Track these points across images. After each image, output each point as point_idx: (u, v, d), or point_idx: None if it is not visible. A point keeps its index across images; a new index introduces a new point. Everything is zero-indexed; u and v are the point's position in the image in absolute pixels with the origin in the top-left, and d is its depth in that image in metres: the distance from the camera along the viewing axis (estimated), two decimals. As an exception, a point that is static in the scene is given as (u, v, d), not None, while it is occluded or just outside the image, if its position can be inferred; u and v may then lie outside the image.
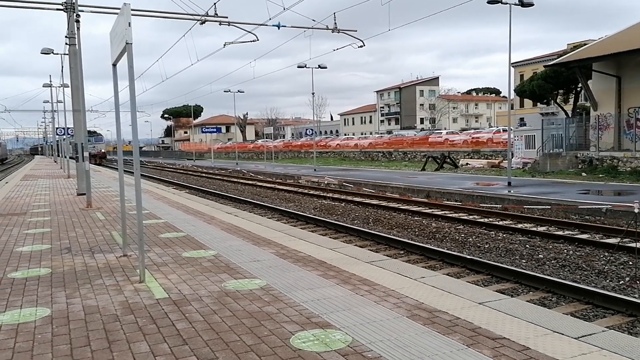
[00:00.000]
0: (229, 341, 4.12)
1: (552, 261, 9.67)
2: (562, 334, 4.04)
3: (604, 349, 3.74)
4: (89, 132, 66.35)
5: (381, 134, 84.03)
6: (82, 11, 15.03)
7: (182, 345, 4.05)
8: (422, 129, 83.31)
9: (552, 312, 4.80)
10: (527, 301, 6.08)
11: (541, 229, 12.61)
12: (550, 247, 10.77)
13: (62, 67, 28.82)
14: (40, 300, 5.34)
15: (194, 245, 8.09)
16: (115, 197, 15.73)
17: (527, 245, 10.97)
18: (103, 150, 64.25)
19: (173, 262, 6.90)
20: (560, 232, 12.02)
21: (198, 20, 19.84)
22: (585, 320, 6.02)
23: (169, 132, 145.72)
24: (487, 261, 9.36)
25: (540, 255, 10.09)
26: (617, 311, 6.76)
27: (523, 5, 20.08)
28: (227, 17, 20.18)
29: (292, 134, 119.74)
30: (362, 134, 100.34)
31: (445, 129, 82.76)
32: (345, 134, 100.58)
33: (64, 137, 35.64)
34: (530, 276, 8.23)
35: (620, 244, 9.92)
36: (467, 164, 34.65)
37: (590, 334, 4.03)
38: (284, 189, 25.02)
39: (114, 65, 6.81)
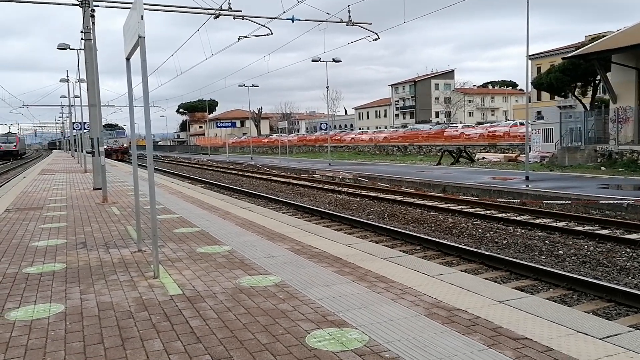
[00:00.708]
0: (244, 339, 4.05)
1: (573, 257, 9.49)
2: (587, 335, 3.91)
3: (631, 350, 3.61)
4: (110, 125, 62.47)
5: (396, 127, 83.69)
6: (97, 6, 15.05)
7: (196, 344, 3.98)
8: (438, 123, 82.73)
9: (575, 311, 4.67)
10: (547, 299, 5.96)
11: (560, 224, 12.40)
12: (570, 242, 10.58)
13: (79, 62, 28.99)
14: (54, 296, 5.31)
15: (208, 240, 8.04)
16: (131, 192, 15.76)
17: (546, 241, 10.78)
18: (126, 145, 59.84)
19: (187, 258, 6.85)
20: (580, 228, 11.80)
21: (212, 15, 19.81)
22: (607, 318, 5.87)
23: (184, 126, 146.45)
24: (506, 257, 9.20)
25: (560, 252, 9.91)
26: (641, 309, 6.59)
27: (541, -4, 19.74)
28: (241, 11, 20.16)
29: (307, 128, 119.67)
30: (376, 128, 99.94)
31: (460, 122, 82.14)
32: (359, 128, 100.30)
33: (81, 131, 35.88)
34: (551, 273, 8.07)
35: (642, 239, 9.71)
36: (483, 158, 34.31)
37: (615, 334, 3.89)
38: (298, 183, 24.95)
39: (128, 59, 6.76)
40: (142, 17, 5.52)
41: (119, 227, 9.46)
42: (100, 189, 14.65)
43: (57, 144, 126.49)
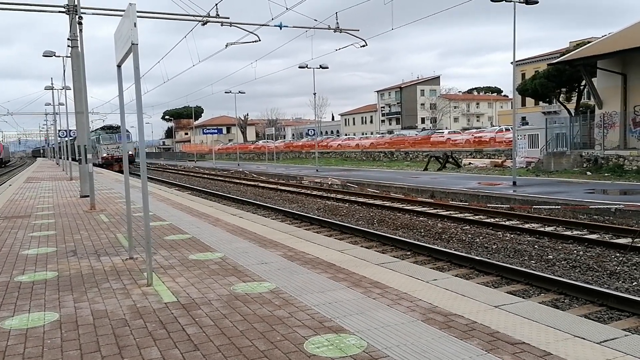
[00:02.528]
0: (242, 346, 4.03)
1: (562, 262, 9.57)
2: (584, 339, 3.94)
3: (629, 354, 3.64)
4: (111, 127, 48.30)
5: (382, 134, 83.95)
6: (84, 13, 14.96)
7: (194, 351, 3.96)
8: (424, 129, 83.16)
9: (570, 315, 4.70)
10: (539, 303, 5.99)
11: (549, 229, 12.50)
12: (560, 247, 10.67)
13: (64, 69, 28.78)
14: (48, 305, 5.25)
15: (200, 247, 8.00)
16: (119, 199, 15.65)
17: (535, 246, 10.86)
18: (131, 152, 45.74)
19: (180, 265, 6.81)
20: (569, 233, 11.91)
21: (200, 21, 19.78)
22: (600, 323, 5.92)
23: (169, 133, 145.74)
24: (497, 262, 9.26)
25: (549, 256, 9.99)
26: (633, 313, 6.66)
27: (527, 2, 19.97)
28: (228, 18, 20.13)
29: (293, 135, 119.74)
30: (363, 134, 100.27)
31: (446, 128, 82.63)
32: (346, 134, 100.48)
33: (66, 139, 35.56)
34: (542, 277, 8.13)
35: (632, 244, 9.81)
36: (470, 163, 34.53)
37: (612, 339, 3.92)
38: (286, 189, 24.93)
39: (119, 66, 6.73)
40: (135, 24, 5.51)
41: (109, 235, 9.38)
42: (87, 196, 14.53)
43: (42, 151, 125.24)
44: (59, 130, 40.25)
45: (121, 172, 36.85)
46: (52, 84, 37.73)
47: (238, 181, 32.05)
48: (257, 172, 37.72)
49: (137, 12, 5.66)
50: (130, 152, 47.71)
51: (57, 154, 54.17)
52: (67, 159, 35.84)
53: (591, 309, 7.00)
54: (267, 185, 28.25)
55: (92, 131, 50.60)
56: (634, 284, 8.12)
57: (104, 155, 45.65)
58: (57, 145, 52.86)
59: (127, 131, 53.77)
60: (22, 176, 34.69)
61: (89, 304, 5.24)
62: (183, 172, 47.24)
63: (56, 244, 8.58)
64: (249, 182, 30.51)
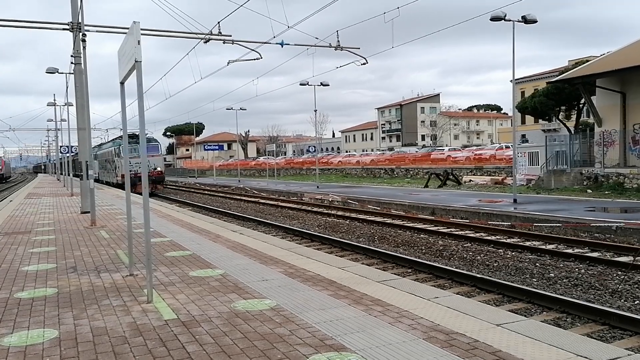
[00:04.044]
0: (242, 365, 4.00)
1: (564, 280, 9.53)
2: (587, 358, 3.91)
3: (632, 373, 3.62)
4: (135, 135, 30.73)
5: (383, 150, 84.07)
6: (88, 30, 15.08)
7: (194, 369, 3.93)
8: (424, 146, 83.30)
9: (572, 334, 4.68)
10: (542, 322, 5.96)
11: (550, 247, 12.47)
12: (561, 265, 10.63)
13: (67, 86, 28.90)
14: (47, 322, 5.22)
15: (200, 264, 7.97)
16: (119, 215, 15.63)
17: (537, 264, 10.82)
18: (160, 169, 35.94)
19: (180, 282, 6.79)
20: (570, 250, 11.88)
21: (202, 39, 19.92)
22: (603, 342, 5.88)
23: (170, 149, 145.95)
24: (499, 280, 9.23)
25: (551, 274, 9.95)
26: (635, 332, 6.61)
27: (526, 22, 20.12)
28: (231, 36, 20.28)
29: (294, 151, 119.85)
30: (363, 150, 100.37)
31: (447, 145, 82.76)
32: (346, 151, 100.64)
33: (67, 155, 35.62)
34: (544, 296, 8.09)
35: (634, 262, 9.78)
36: (470, 180, 34.52)
37: (615, 358, 3.90)
38: (287, 206, 24.91)
39: (122, 83, 6.76)
40: (138, 42, 5.55)
41: (109, 251, 9.36)
42: (88, 212, 14.52)
43: (43, 167, 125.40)
44: (61, 146, 40.34)
45: (151, 194, 27.28)
46: (54, 100, 37.90)
47: (239, 197, 32.04)
48: (258, 188, 37.71)
49: (141, 30, 5.71)
50: (159, 169, 35.82)
51: (59, 170, 54.09)
52: (68, 174, 35.84)
53: (593, 327, 6.95)
54: (267, 201, 28.23)
55: (110, 141, 45.15)
56: (636, 302, 8.08)
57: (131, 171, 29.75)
58: (59, 161, 52.71)
59: (156, 140, 37.98)
60: (23, 192, 34.69)
61: (89, 320, 5.21)
62: (184, 188, 47.25)
63: (56, 260, 8.55)
64: (249, 199, 30.49)
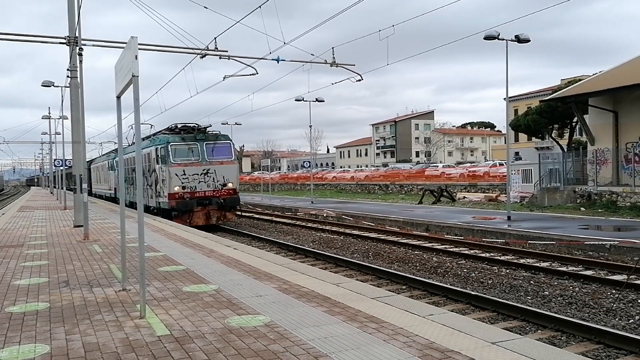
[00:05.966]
0: (236, 382, 3.96)
1: (559, 298, 9.52)
2: (583, 377, 3.90)
3: (628, 392, 3.60)
4: (188, 127, 22.76)
5: (377, 166, 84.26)
6: (84, 45, 15.11)
7: (187, 386, 3.89)
8: (418, 162, 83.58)
9: (568, 353, 4.66)
10: (536, 340, 5.93)
11: (544, 264, 12.47)
12: (556, 283, 10.63)
13: (62, 99, 28.89)
14: (39, 337, 5.17)
15: (194, 279, 7.93)
16: (113, 229, 15.55)
17: (531, 282, 10.81)
18: (232, 184, 22.32)
19: (174, 297, 6.74)
20: (564, 268, 11.88)
21: (198, 54, 20.00)
22: (598, 360, 5.87)
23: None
24: (494, 298, 9.21)
25: (545, 292, 9.94)
26: (630, 351, 6.60)
27: (519, 41, 20.31)
28: (227, 51, 20.36)
29: (288, 166, 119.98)
30: (357, 166, 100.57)
31: (441, 162, 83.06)
32: (341, 167, 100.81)
33: (61, 168, 35.48)
34: (538, 314, 8.07)
35: (627, 281, 9.78)
36: (464, 197, 34.58)
37: (611, 377, 3.89)
38: (281, 221, 24.85)
39: (118, 97, 6.77)
40: (136, 56, 5.57)
41: (102, 266, 9.29)
42: (81, 226, 14.44)
43: (36, 180, 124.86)
44: (55, 160, 40.20)
45: (217, 222, 21.66)
46: (49, 113, 37.86)
47: (232, 212, 31.88)
48: (252, 203, 37.62)
49: (140, 44, 5.73)
50: (230, 185, 22.27)
51: (52, 183, 53.81)
52: (62, 188, 35.67)
53: (588, 346, 6.93)
54: (261, 216, 28.16)
55: (145, 138, 26.50)
56: (630, 321, 8.07)
57: (176, 188, 20.97)
58: (52, 174, 52.44)
59: (227, 138, 23.68)
60: (16, 205, 34.49)
61: (81, 336, 5.16)
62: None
63: (48, 275, 8.49)
64: (243, 214, 30.39)
